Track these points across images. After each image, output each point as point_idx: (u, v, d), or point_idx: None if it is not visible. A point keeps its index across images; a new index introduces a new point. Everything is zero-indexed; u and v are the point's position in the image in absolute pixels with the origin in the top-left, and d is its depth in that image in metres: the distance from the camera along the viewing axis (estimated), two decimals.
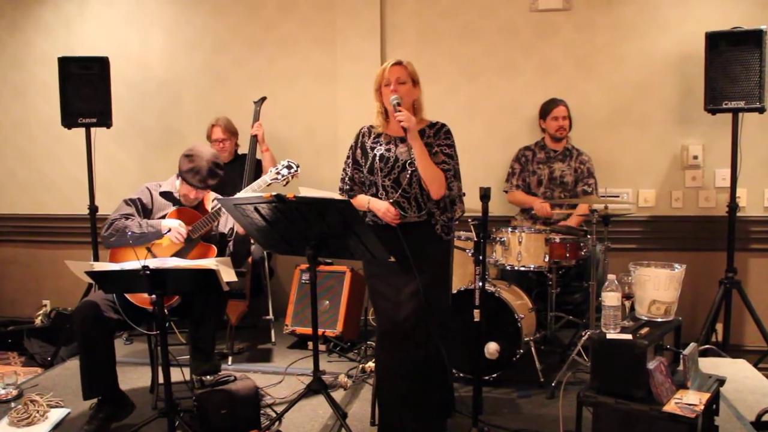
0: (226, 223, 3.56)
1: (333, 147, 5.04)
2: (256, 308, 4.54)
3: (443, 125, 3.11)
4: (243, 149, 4.74)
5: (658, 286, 2.66)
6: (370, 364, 3.97)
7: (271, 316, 4.53)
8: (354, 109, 4.96)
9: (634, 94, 4.72)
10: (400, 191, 3.01)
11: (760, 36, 4.03)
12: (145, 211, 3.49)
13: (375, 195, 3.09)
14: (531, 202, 4.38)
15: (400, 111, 2.88)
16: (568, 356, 4.00)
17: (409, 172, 2.98)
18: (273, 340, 4.52)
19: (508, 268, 3.88)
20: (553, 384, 3.59)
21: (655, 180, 4.76)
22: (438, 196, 2.99)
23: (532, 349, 3.77)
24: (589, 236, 3.86)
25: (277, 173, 3.59)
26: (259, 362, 4.20)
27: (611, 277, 2.65)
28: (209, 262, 2.91)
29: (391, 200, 3.01)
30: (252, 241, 3.54)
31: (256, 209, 2.88)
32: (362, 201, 3.09)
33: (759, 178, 4.61)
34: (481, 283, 2.76)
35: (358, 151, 3.17)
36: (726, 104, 4.14)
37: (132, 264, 2.87)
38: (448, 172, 3.02)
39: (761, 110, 4.09)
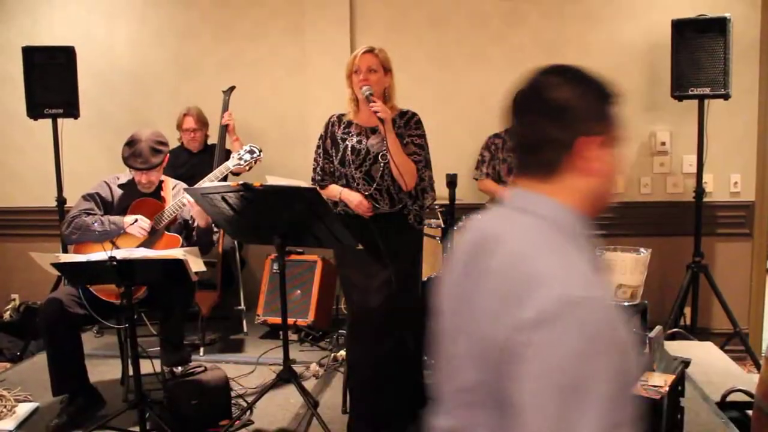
0: (189, 211, 3.52)
1: (303, 137, 5.01)
2: (228, 299, 4.52)
3: (413, 114, 3.10)
4: (213, 140, 4.70)
5: (624, 270, 2.70)
6: (342, 353, 3.98)
7: (242, 307, 4.51)
8: (324, 99, 4.91)
9: None
10: (374, 185, 3.00)
11: (725, 23, 4.08)
12: (106, 205, 3.44)
13: (347, 186, 3.08)
14: (500, 191, 4.40)
15: (374, 102, 2.87)
16: None
17: (382, 164, 2.98)
18: (245, 330, 4.51)
19: None
20: None
21: (624, 166, 4.80)
22: (410, 188, 3.00)
23: None
24: None
25: (240, 158, 3.54)
26: (231, 353, 4.19)
27: None
28: (177, 252, 2.90)
29: (366, 193, 3.01)
30: (216, 230, 3.51)
31: (223, 198, 2.86)
32: (334, 191, 3.08)
33: (725, 164, 4.68)
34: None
35: (328, 141, 3.15)
36: (692, 91, 4.19)
37: (99, 255, 2.85)
38: (419, 163, 3.02)
39: (726, 97, 4.15)
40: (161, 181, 3.52)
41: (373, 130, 3.06)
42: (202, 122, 4.59)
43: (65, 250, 4.70)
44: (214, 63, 5.10)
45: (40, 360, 4.14)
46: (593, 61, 4.68)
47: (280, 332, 4.34)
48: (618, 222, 4.78)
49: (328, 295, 4.50)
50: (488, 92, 4.82)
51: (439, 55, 4.91)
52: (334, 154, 3.11)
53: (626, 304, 2.79)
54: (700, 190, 4.36)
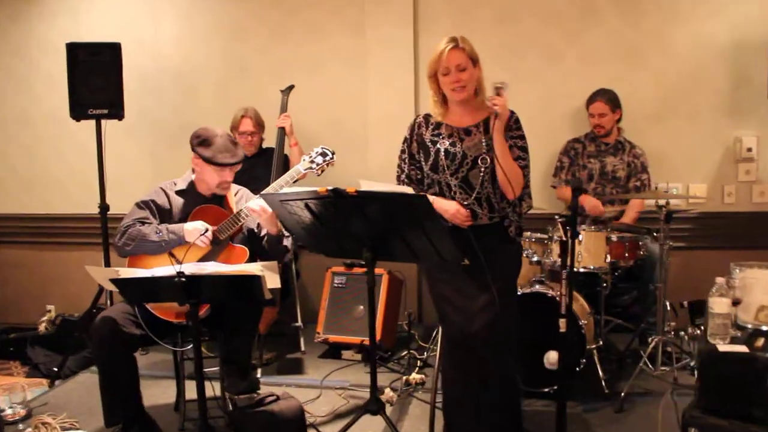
0: (255, 218, 3.21)
1: (363, 139, 4.72)
2: (283, 314, 4.20)
3: (512, 112, 2.75)
4: (267, 143, 4.40)
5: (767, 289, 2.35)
6: (415, 376, 3.67)
7: (300, 323, 4.20)
8: (385, 99, 4.65)
9: (684, 84, 4.42)
10: (474, 194, 2.68)
11: None
12: (162, 214, 3.12)
13: (440, 194, 2.75)
14: (582, 200, 4.05)
15: (498, 95, 2.56)
16: (626, 363, 3.73)
17: (482, 169, 2.65)
18: (302, 348, 4.18)
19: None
20: (622, 395, 3.27)
21: (707, 174, 4.46)
22: (516, 195, 2.67)
23: (595, 357, 3.46)
24: (654, 234, 3.57)
25: (312, 161, 3.24)
26: (291, 374, 3.86)
27: (720, 280, 2.35)
28: (254, 267, 2.57)
29: (465, 203, 2.68)
30: (287, 235, 3.19)
31: (306, 206, 2.54)
32: None
33: None
34: (567, 289, 2.44)
35: (414, 144, 2.82)
36: None
37: (164, 270, 2.54)
38: (525, 169, 2.69)
39: None
40: None
41: (467, 132, 2.73)
42: (260, 125, 4.29)
43: (108, 262, 4.41)
44: (266, 63, 4.82)
45: (84, 380, 3.86)
46: (674, 62, 4.43)
47: (342, 351, 4.12)
48: (698, 234, 4.45)
49: (394, 312, 4.17)
50: (560, 95, 4.52)
51: (507, 55, 4.58)
52: (423, 159, 2.78)
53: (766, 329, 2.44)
54: None
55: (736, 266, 2.50)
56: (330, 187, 2.42)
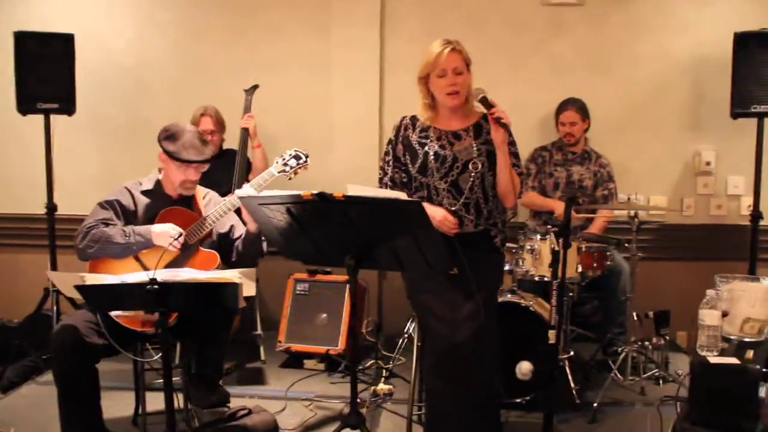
0: (225, 222, 3.05)
1: (327, 143, 4.59)
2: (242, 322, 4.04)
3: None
4: (228, 144, 4.23)
5: (754, 302, 2.36)
6: (383, 386, 3.57)
7: (260, 331, 4.04)
8: (350, 102, 4.56)
9: (647, 97, 4.48)
10: (462, 198, 2.60)
11: None
12: (127, 215, 2.93)
13: (428, 199, 2.67)
14: (550, 205, 4.04)
15: (495, 105, 2.51)
16: (591, 373, 3.73)
17: (472, 174, 2.59)
18: (262, 358, 4.02)
19: (537, 279, 3.54)
20: (594, 405, 3.25)
21: (668, 186, 4.53)
22: (511, 204, 2.62)
23: (567, 367, 3.44)
24: (626, 244, 3.59)
25: (285, 164, 3.12)
26: (252, 384, 3.71)
27: (710, 292, 2.34)
28: (231, 274, 2.42)
29: (453, 207, 2.61)
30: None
31: (288, 210, 2.41)
32: None
33: None
34: (557, 300, 2.39)
35: (400, 146, 2.73)
36: (755, 108, 3.93)
37: (135, 276, 2.38)
38: (521, 176, 2.64)
39: None
40: None
41: (456, 135, 2.67)
42: (221, 124, 4.10)
43: (54, 266, 4.16)
44: (225, 62, 4.64)
45: (29, 392, 3.61)
46: (638, 74, 4.49)
47: (304, 361, 3.98)
48: (657, 245, 4.51)
49: (357, 321, 4.06)
50: (527, 103, 4.50)
51: (475, 61, 4.50)
52: (409, 162, 2.69)
53: (749, 340, 2.45)
54: (756, 213, 4.09)
55: (721, 279, 2.50)
56: (315, 191, 2.31)
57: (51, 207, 4.20)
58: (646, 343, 3.75)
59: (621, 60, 4.48)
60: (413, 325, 3.80)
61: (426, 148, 2.66)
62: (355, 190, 2.33)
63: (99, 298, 2.38)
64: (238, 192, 2.75)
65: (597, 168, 4.16)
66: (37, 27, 4.27)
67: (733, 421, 2.19)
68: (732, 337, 2.47)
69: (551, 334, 2.39)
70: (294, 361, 4.01)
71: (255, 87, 4.13)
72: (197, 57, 4.66)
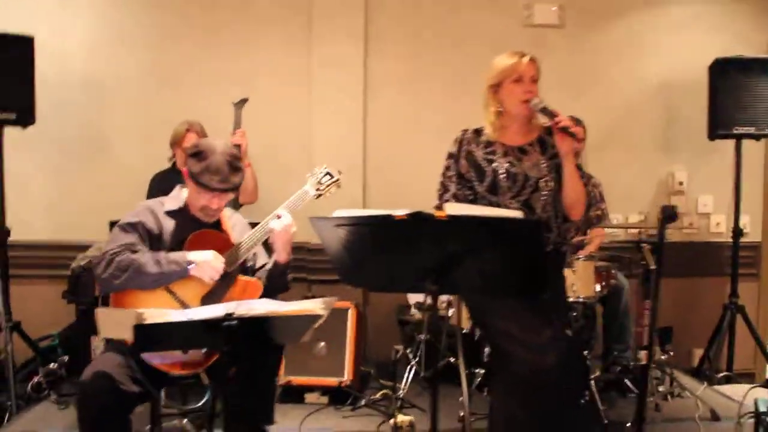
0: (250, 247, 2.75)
1: (306, 165, 4.31)
2: None
3: None
4: None
5: None
6: (403, 418, 3.35)
7: None
8: (331, 122, 4.40)
9: (622, 118, 4.61)
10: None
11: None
12: (152, 239, 2.55)
13: None
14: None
15: (557, 114, 2.39)
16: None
17: (544, 193, 2.48)
18: None
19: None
20: (628, 425, 3.21)
21: (644, 205, 4.66)
22: (578, 217, 2.53)
23: (593, 388, 3.39)
24: (642, 262, 3.60)
25: (319, 182, 2.87)
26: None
27: None
28: (314, 306, 2.15)
29: None
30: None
31: (371, 232, 2.19)
32: None
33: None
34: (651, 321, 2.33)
35: (463, 162, 2.58)
36: (735, 130, 4.12)
37: (207, 311, 2.06)
38: (586, 187, 2.57)
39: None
40: None
41: (522, 150, 2.56)
42: None
43: (6, 296, 3.63)
44: (195, 74, 4.31)
45: None
46: (614, 96, 4.61)
47: (305, 395, 3.69)
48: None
49: (360, 350, 3.83)
50: None
51: (456, 80, 4.50)
52: (475, 179, 2.55)
53: None
54: (738, 230, 4.28)
55: None
56: (408, 211, 2.11)
57: (4, 231, 3.69)
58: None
59: (596, 82, 4.59)
60: (413, 350, 3.66)
61: (494, 165, 2.54)
62: (456, 210, 2.14)
63: (162, 338, 2.04)
64: (310, 216, 2.48)
65: (590, 188, 4.19)
66: None
67: None
68: None
69: (643, 355, 2.31)
70: (293, 395, 3.70)
71: (244, 100, 3.81)
72: (163, 70, 4.32)
